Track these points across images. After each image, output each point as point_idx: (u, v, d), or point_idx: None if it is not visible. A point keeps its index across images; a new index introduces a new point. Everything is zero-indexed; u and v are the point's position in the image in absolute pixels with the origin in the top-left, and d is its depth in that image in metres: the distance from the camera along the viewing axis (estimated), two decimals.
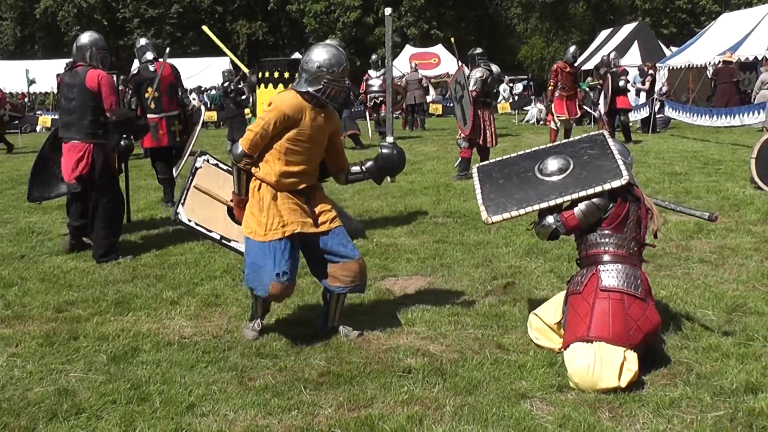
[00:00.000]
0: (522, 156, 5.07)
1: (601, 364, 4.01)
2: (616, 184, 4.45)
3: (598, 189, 4.47)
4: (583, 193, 4.48)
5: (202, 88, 34.22)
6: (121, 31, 50.00)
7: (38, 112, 32.87)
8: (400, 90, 21.16)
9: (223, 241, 5.67)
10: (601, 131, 5.02)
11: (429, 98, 27.62)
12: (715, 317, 5.09)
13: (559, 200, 4.55)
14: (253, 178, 4.85)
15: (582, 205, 4.50)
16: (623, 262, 4.42)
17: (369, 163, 5.22)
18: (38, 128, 29.36)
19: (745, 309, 5.24)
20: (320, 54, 4.76)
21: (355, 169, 5.24)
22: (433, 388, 4.11)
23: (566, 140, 5.24)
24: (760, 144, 10.07)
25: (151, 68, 9.75)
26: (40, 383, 4.31)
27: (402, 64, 34.31)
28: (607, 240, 4.49)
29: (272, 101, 4.80)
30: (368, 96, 20.10)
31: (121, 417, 3.84)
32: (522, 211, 4.62)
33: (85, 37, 7.45)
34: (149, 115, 9.30)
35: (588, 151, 4.79)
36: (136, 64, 10.65)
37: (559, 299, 4.70)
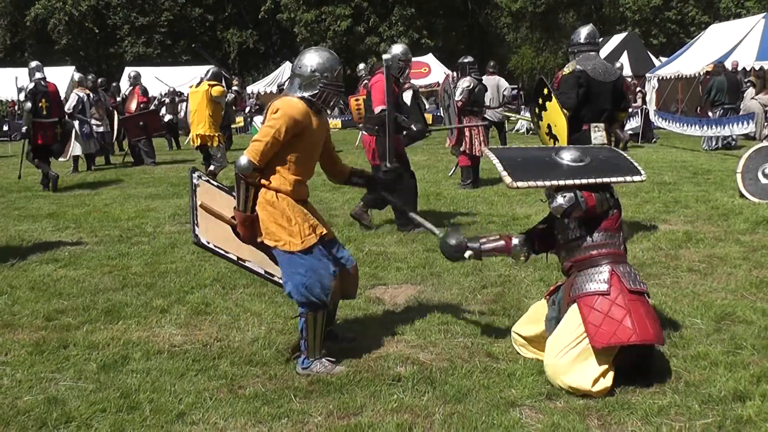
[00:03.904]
0: (534, 148, 5.29)
1: (581, 362, 4.05)
2: (637, 178, 4.57)
3: (621, 179, 4.60)
4: (607, 180, 4.53)
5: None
6: (111, 39, 49.93)
7: None
8: None
9: (240, 262, 5.22)
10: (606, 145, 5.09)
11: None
12: (703, 326, 5.12)
13: (584, 180, 4.45)
14: (264, 190, 4.53)
15: (597, 194, 4.44)
16: (624, 261, 4.48)
17: (370, 180, 5.31)
18: None
19: (734, 318, 5.27)
20: (313, 58, 4.62)
21: (356, 180, 5.22)
22: (423, 397, 4.12)
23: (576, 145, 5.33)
24: (745, 158, 10.14)
25: (44, 83, 13.36)
26: (30, 392, 4.30)
27: None
28: (610, 241, 4.45)
29: (279, 108, 4.49)
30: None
31: (110, 426, 3.84)
32: (548, 183, 4.50)
33: None
34: (43, 120, 13.22)
35: (601, 153, 4.91)
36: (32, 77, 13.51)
37: (536, 313, 4.70)
